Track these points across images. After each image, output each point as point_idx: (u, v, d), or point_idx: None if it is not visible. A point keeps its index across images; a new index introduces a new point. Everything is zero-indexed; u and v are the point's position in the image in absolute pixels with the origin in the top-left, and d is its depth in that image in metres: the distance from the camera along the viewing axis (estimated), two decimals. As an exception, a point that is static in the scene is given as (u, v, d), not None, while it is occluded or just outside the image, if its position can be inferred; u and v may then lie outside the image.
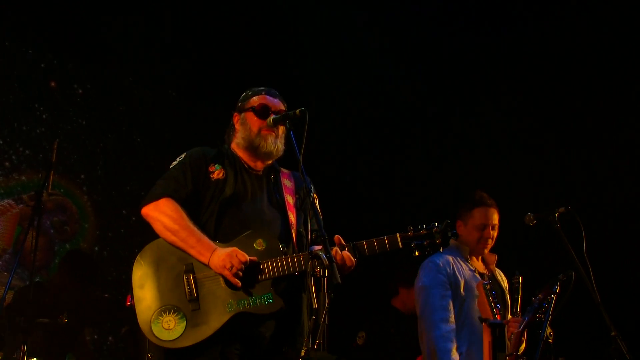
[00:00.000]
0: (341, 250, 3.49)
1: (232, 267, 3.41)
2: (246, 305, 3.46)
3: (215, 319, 3.44)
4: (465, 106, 7.69)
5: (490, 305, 4.30)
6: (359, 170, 8.35)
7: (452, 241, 4.72)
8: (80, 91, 8.25)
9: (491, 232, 4.72)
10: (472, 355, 4.45)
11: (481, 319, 4.26)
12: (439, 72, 7.66)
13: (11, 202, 7.62)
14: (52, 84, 8.09)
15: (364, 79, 8.05)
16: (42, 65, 8.04)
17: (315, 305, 3.21)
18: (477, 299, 4.45)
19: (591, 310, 4.15)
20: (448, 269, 4.57)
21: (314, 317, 3.15)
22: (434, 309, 4.48)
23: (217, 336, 3.42)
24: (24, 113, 7.82)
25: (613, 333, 4.05)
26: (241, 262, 3.42)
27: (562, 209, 4.45)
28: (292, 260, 3.50)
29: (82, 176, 8.09)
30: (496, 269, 4.84)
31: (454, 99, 7.71)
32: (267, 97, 3.91)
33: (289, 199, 3.82)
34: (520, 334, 4.23)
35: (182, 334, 3.42)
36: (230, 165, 3.80)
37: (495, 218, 4.75)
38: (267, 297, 3.49)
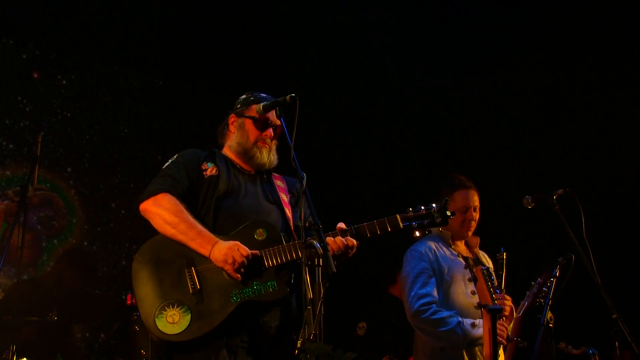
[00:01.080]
0: (342, 237, 3.51)
1: (233, 262, 3.44)
2: (251, 294, 3.48)
3: (220, 310, 3.46)
4: (461, 88, 7.69)
5: (490, 291, 4.32)
6: (352, 156, 8.36)
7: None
8: (64, 82, 8.22)
9: (473, 214, 4.72)
10: (458, 347, 4.46)
11: (480, 306, 4.28)
12: (434, 49, 7.62)
13: (-3, 197, 7.62)
14: (35, 75, 8.07)
15: (356, 64, 8.05)
16: (24, 56, 8.01)
17: (310, 295, 3.21)
18: (461, 287, 4.48)
19: (592, 293, 4.16)
20: (430, 256, 4.57)
21: (309, 307, 3.16)
22: (422, 294, 4.47)
23: (222, 327, 3.44)
24: (7, 106, 7.80)
25: (615, 316, 4.07)
26: (242, 256, 3.44)
27: (560, 191, 4.46)
28: (288, 247, 3.53)
29: (69, 169, 8.08)
30: (479, 251, 4.84)
31: (449, 79, 7.69)
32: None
33: (284, 197, 3.88)
34: (520, 319, 4.25)
35: (187, 327, 3.44)
36: (222, 164, 3.84)
37: (476, 200, 4.75)
38: (271, 284, 3.52)
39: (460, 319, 4.37)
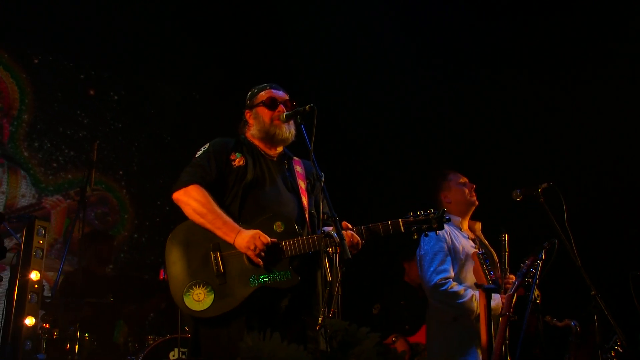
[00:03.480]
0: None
1: (255, 248, 3.41)
2: (267, 280, 3.46)
3: (240, 292, 3.44)
4: (460, 94, 7.62)
5: (485, 272, 4.30)
6: (360, 162, 8.35)
7: None
8: (115, 97, 8.29)
9: (472, 188, 4.73)
10: (469, 317, 4.44)
11: (477, 285, 4.27)
12: (435, 54, 7.53)
13: (60, 197, 7.67)
14: (91, 92, 8.13)
15: (366, 71, 8.00)
16: (82, 76, 8.08)
17: (329, 278, 3.21)
18: (472, 266, 4.46)
19: (573, 273, 4.14)
20: (447, 237, 4.54)
21: (328, 288, 3.16)
22: (441, 270, 4.45)
23: (241, 307, 3.42)
24: (68, 119, 7.87)
25: (593, 292, 4.05)
26: (263, 244, 3.41)
27: (544, 185, 4.44)
28: (308, 240, 3.50)
29: (120, 172, 8.14)
30: (481, 234, 4.81)
31: (445, 83, 7.60)
32: (272, 90, 3.90)
33: (301, 184, 3.80)
34: (512, 296, 4.23)
35: (210, 305, 3.42)
36: (249, 153, 3.78)
37: (465, 177, 4.76)
38: (285, 273, 3.49)
39: (473, 292, 4.36)
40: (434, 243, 4.52)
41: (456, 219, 4.69)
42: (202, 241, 3.55)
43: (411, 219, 3.57)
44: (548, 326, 4.50)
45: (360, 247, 3.52)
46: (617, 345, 4.32)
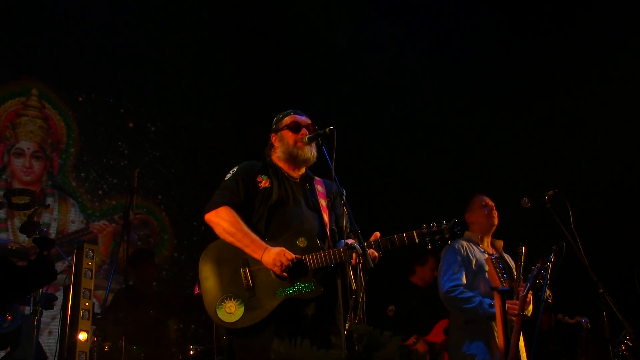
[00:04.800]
0: (369, 248, 3.48)
1: (281, 264, 3.42)
2: (293, 292, 3.46)
3: (268, 304, 3.44)
4: (466, 114, 7.62)
5: (498, 276, 4.29)
6: (378, 177, 8.33)
7: (466, 232, 4.77)
8: (152, 128, 8.37)
9: (491, 207, 4.77)
10: (479, 321, 4.46)
11: (492, 288, 4.25)
12: (442, 80, 7.53)
13: (106, 222, 7.74)
14: (130, 124, 8.22)
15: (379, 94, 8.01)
16: (121, 110, 8.18)
17: (354, 287, 3.20)
18: (487, 272, 4.46)
19: (581, 273, 4.10)
20: (462, 251, 4.60)
21: (353, 296, 3.15)
22: (453, 279, 4.49)
23: (270, 317, 3.42)
24: (110, 150, 7.96)
25: (601, 290, 4.01)
26: (288, 260, 3.42)
27: (551, 192, 4.41)
28: (329, 254, 3.49)
29: (159, 197, 8.20)
30: (504, 253, 4.82)
31: (459, 105, 7.60)
32: (296, 115, 3.90)
33: (322, 202, 3.80)
34: (525, 297, 4.20)
35: (241, 317, 3.43)
36: (274, 175, 3.79)
37: (490, 200, 4.81)
38: (309, 285, 3.48)
39: (481, 298, 4.38)
40: (450, 255, 4.62)
41: (477, 236, 4.75)
42: (232, 258, 3.56)
43: (424, 230, 3.55)
44: (560, 323, 4.45)
45: (377, 260, 3.50)
46: (627, 339, 4.27)
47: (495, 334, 4.39)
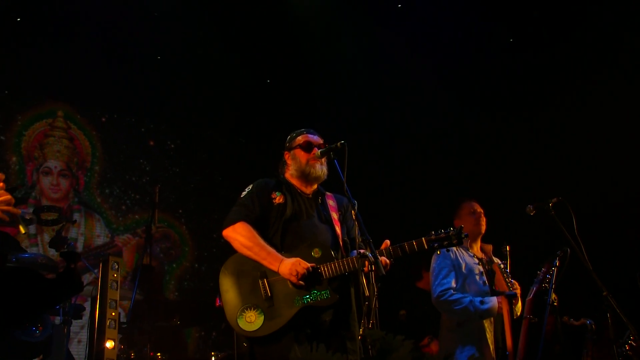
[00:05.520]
0: (380, 256, 3.48)
1: (297, 274, 3.44)
2: (310, 300, 3.47)
3: (286, 312, 3.46)
4: (473, 123, 7.58)
5: (506, 281, 4.27)
6: (387, 187, 8.31)
7: None
8: (172, 146, 8.42)
9: (480, 214, 4.71)
10: (471, 322, 4.41)
11: (499, 293, 4.23)
12: (454, 85, 7.44)
13: (129, 236, 7.78)
14: (151, 142, 8.28)
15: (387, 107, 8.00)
16: (142, 129, 8.24)
17: (367, 293, 3.20)
18: (474, 279, 4.44)
19: (585, 277, 4.07)
20: (452, 255, 4.55)
21: (367, 303, 3.15)
22: (443, 283, 4.45)
23: (289, 325, 3.44)
24: (132, 167, 8.01)
25: (604, 293, 3.98)
26: (304, 269, 3.44)
27: (555, 199, 4.38)
28: (343, 263, 3.50)
29: (180, 211, 8.24)
30: (493, 256, 4.77)
31: (465, 115, 7.54)
32: (309, 135, 3.92)
33: (334, 215, 3.82)
34: (531, 301, 4.18)
35: (261, 326, 3.44)
36: (288, 191, 3.81)
37: (479, 207, 4.74)
38: (325, 292, 3.49)
39: (471, 298, 4.34)
40: (440, 261, 4.56)
41: (466, 241, 4.69)
42: (250, 270, 3.58)
43: (433, 237, 3.56)
44: (566, 325, 4.41)
45: (389, 267, 3.50)
46: (630, 340, 4.22)
47: (488, 336, 4.35)
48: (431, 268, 4.61)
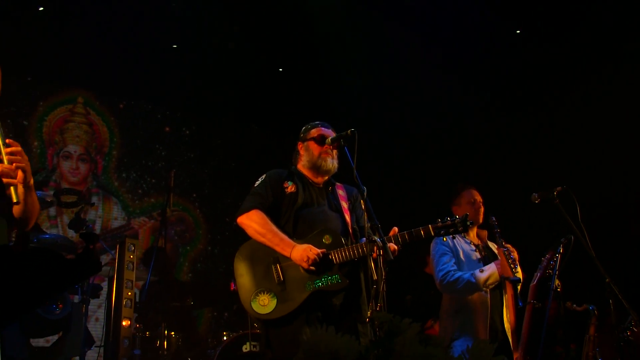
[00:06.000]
0: (389, 242, 3.49)
1: (308, 259, 3.47)
2: (320, 284, 3.50)
3: (298, 296, 3.49)
4: (480, 115, 7.54)
5: (510, 266, 4.25)
6: (396, 175, 8.29)
7: None
8: (187, 132, 8.44)
9: (479, 203, 4.68)
10: (469, 305, 4.40)
11: (504, 278, 4.22)
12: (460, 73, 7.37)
13: (145, 219, 7.82)
14: (167, 129, 8.30)
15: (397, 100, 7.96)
16: (159, 115, 8.26)
17: (375, 277, 3.21)
18: (470, 265, 4.43)
19: (588, 264, 4.05)
20: (450, 242, 4.54)
21: (374, 286, 3.16)
22: (443, 268, 4.44)
23: (301, 308, 3.47)
24: (149, 152, 8.04)
25: (607, 279, 3.96)
26: (315, 254, 3.47)
27: (559, 188, 4.35)
28: (352, 249, 3.53)
29: (194, 195, 8.27)
30: (488, 241, 4.75)
31: (471, 104, 7.49)
32: (322, 128, 3.94)
33: (344, 204, 3.84)
34: (536, 287, 4.16)
35: (274, 309, 3.47)
36: (299, 181, 3.84)
37: (478, 195, 4.71)
38: (335, 277, 3.52)
39: (470, 272, 4.33)
40: (439, 247, 4.56)
41: None
42: (264, 256, 3.61)
43: (440, 224, 3.57)
44: (569, 311, 4.40)
45: (397, 253, 3.51)
46: (632, 325, 4.21)
47: (482, 325, 4.32)
48: (431, 255, 4.61)
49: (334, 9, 6.93)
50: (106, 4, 6.59)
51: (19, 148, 2.36)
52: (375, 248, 3.23)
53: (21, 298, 1.82)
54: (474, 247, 4.60)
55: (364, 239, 3.60)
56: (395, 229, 3.59)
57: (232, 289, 5.77)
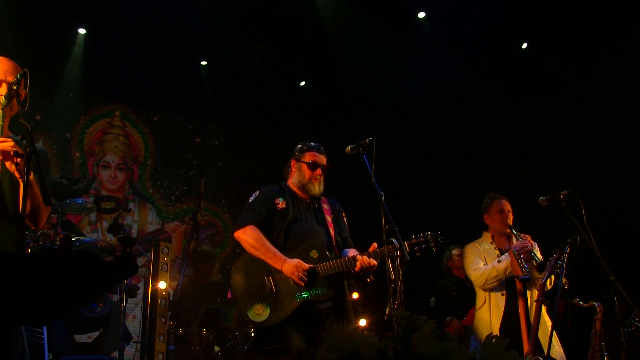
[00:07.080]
0: (368, 257, 3.55)
1: (298, 273, 3.55)
2: (308, 296, 3.59)
3: (289, 306, 3.57)
4: (490, 119, 7.47)
5: (520, 265, 4.21)
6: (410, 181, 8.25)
7: (484, 232, 4.67)
8: (216, 142, 8.49)
9: (507, 213, 4.63)
10: (494, 302, 4.38)
11: (514, 277, 4.18)
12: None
13: (178, 223, 7.87)
14: (197, 139, 8.36)
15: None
16: (190, 127, 8.32)
17: (392, 276, 3.21)
18: (510, 261, 4.38)
19: (594, 263, 4.00)
20: (479, 246, 4.55)
21: (392, 285, 3.15)
22: (474, 268, 4.44)
23: (291, 316, 3.55)
24: (180, 161, 8.10)
25: (612, 278, 3.90)
26: (304, 270, 3.56)
27: (565, 192, 4.30)
28: (336, 264, 3.61)
29: (223, 201, 8.31)
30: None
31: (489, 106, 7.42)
32: (316, 154, 3.94)
33: (328, 218, 3.89)
34: (544, 285, 4.11)
35: (268, 317, 3.56)
36: (289, 197, 3.89)
37: (507, 204, 4.67)
38: (321, 289, 3.61)
39: (492, 264, 4.34)
40: (470, 252, 4.60)
41: (489, 235, 4.67)
42: (258, 268, 3.68)
43: (414, 240, 3.61)
44: (575, 307, 4.34)
45: (375, 267, 3.56)
46: (636, 321, 4.14)
47: (497, 320, 4.29)
48: (464, 259, 4.65)
49: (352, 27, 6.95)
50: (143, 27, 6.69)
51: (12, 142, 2.37)
52: (365, 260, 3.44)
53: (66, 297, 1.85)
54: (496, 251, 4.61)
55: (347, 250, 3.75)
56: (375, 244, 3.63)
57: (229, 297, 5.83)
